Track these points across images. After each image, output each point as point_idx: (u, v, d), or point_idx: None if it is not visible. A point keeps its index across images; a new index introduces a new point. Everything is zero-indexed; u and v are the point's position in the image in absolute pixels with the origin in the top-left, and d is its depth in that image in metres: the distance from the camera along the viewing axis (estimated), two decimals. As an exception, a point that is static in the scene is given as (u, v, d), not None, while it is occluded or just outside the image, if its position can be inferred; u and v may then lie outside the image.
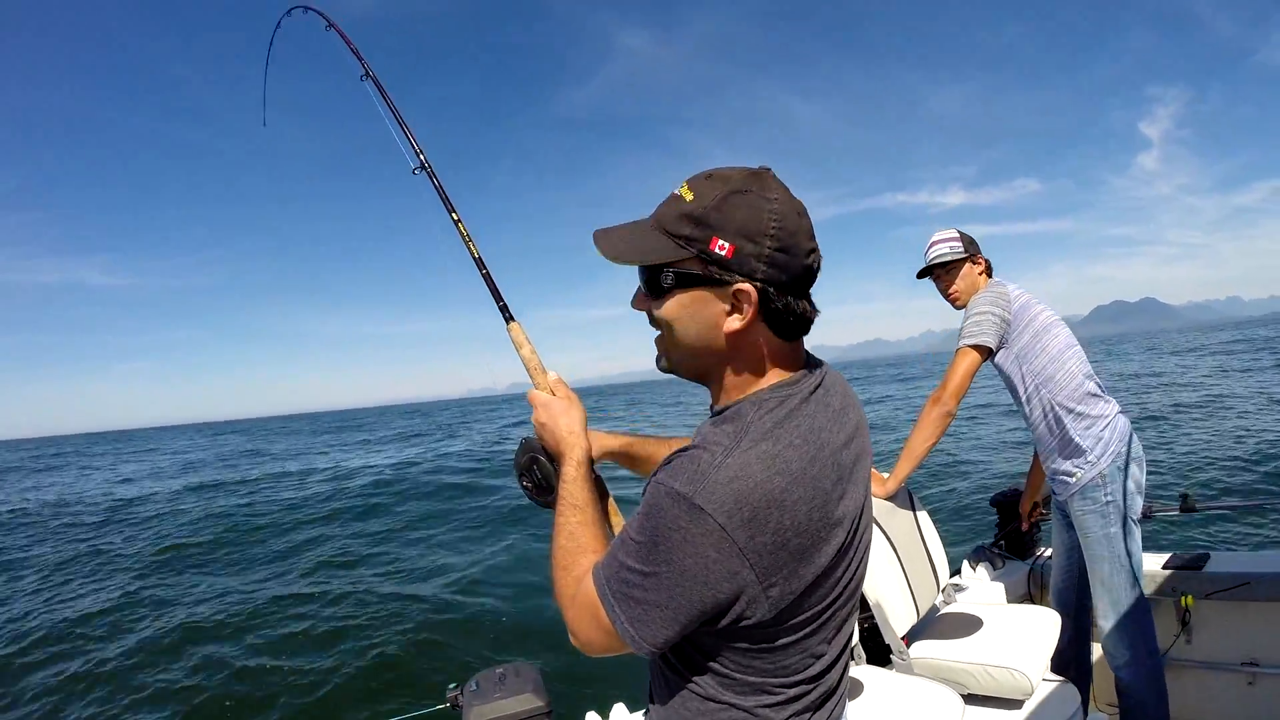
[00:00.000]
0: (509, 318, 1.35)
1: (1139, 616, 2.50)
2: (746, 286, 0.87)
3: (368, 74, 1.59)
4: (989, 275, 2.78)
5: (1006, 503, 3.52)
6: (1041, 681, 2.33)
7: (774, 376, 0.94)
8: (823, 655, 0.97)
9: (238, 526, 13.00)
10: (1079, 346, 2.62)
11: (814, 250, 0.90)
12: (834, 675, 1.02)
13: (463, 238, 1.39)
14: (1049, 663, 2.39)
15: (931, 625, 2.64)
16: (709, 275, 0.89)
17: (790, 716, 0.97)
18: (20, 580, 9.96)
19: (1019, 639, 2.42)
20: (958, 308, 2.73)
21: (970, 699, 2.24)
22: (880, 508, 2.56)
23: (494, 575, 8.53)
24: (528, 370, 1.30)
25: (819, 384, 0.96)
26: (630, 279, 0.97)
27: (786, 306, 0.89)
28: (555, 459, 1.16)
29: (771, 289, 0.88)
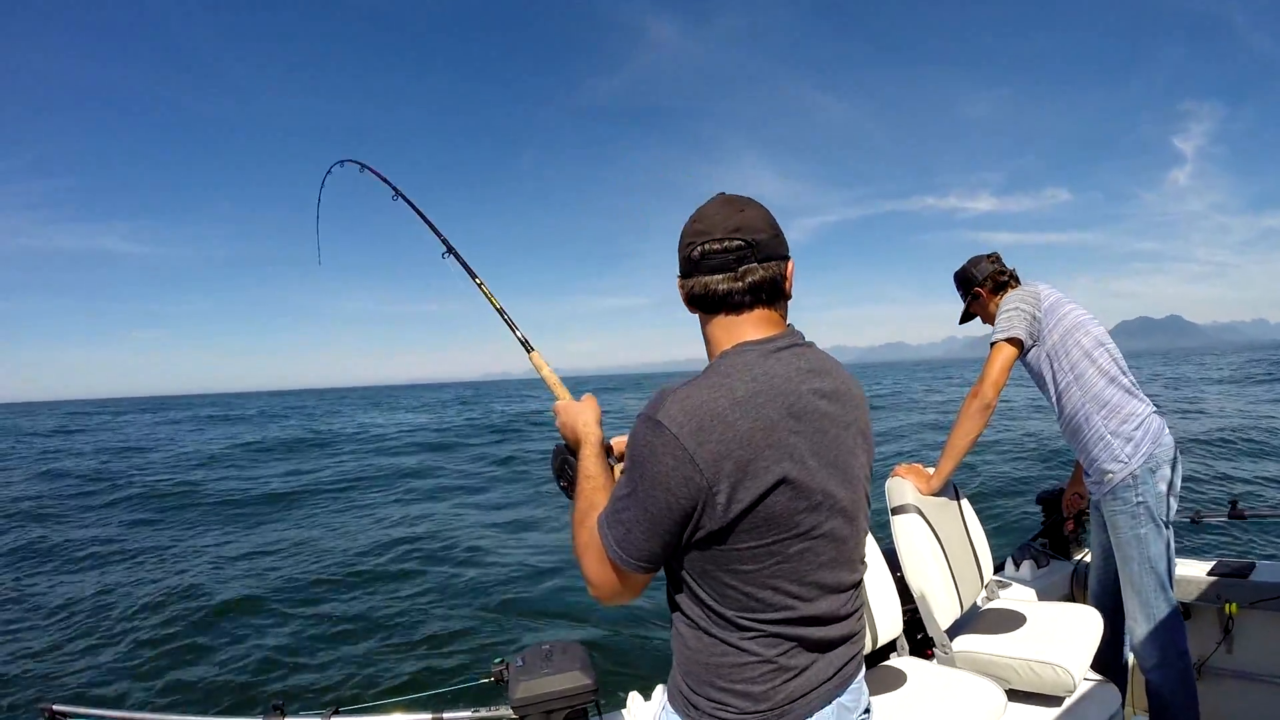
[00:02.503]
0: (530, 349, 1.67)
1: (1169, 619, 2.48)
2: (678, 280, 1.20)
3: (398, 194, 2.09)
4: (1015, 282, 2.81)
5: (1052, 500, 3.48)
6: (1083, 680, 2.31)
7: (737, 341, 1.14)
8: (805, 600, 1.08)
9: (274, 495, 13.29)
10: (1112, 344, 2.60)
11: (690, 244, 1.15)
12: (831, 629, 1.13)
13: (486, 296, 1.77)
14: (1091, 662, 2.37)
15: (974, 620, 2.62)
16: None
17: (782, 654, 1.08)
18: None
19: (1062, 637, 2.39)
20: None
21: (1012, 695, 2.22)
22: (926, 501, 2.55)
23: (543, 556, 8.64)
24: (550, 386, 1.56)
25: (786, 347, 1.13)
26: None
27: (682, 287, 1.19)
28: (577, 453, 1.30)
29: (680, 279, 1.19)
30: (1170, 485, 2.49)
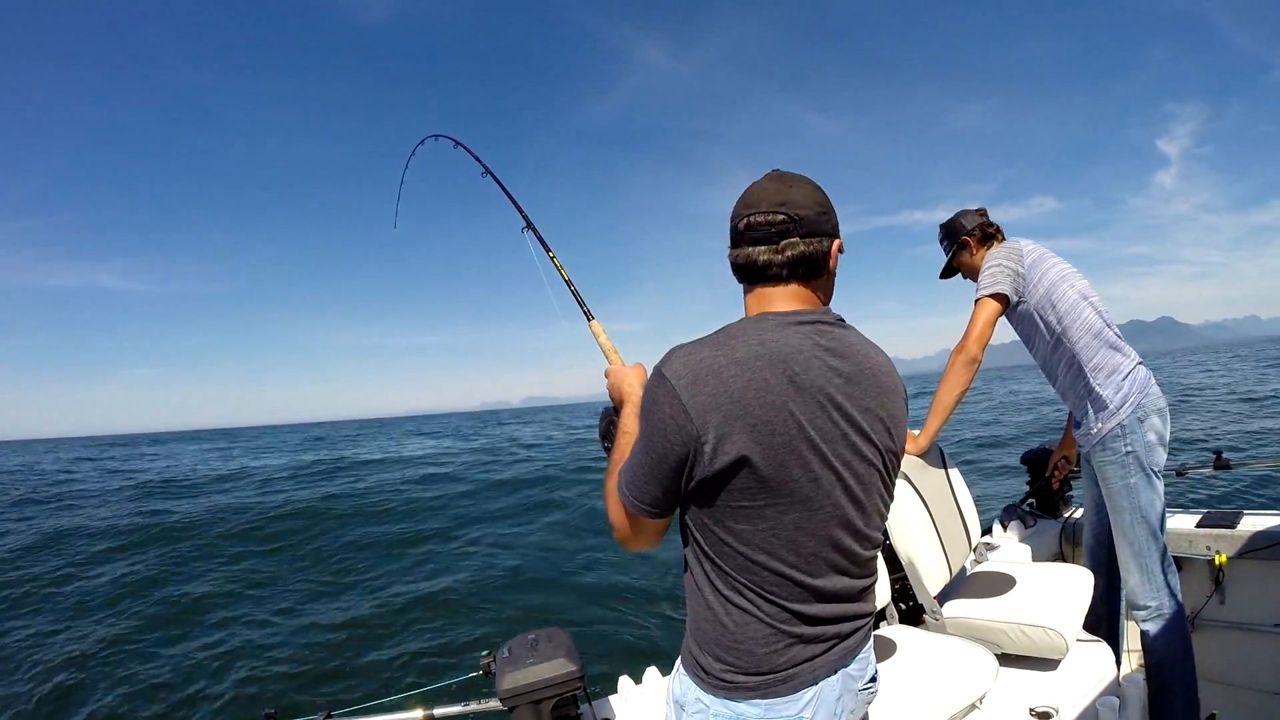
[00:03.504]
0: (590, 317, 1.73)
1: (1162, 568, 2.50)
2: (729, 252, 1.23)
3: (487, 171, 2.16)
4: (1001, 236, 2.78)
5: (1038, 461, 3.48)
6: (1076, 641, 2.30)
7: (764, 311, 1.17)
8: (805, 573, 1.09)
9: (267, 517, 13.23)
10: (1096, 297, 2.60)
11: (738, 216, 1.19)
12: (833, 606, 1.14)
13: (557, 268, 1.84)
14: (1083, 622, 2.36)
15: (963, 584, 2.62)
16: None
17: (782, 621, 1.10)
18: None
19: (1052, 598, 2.39)
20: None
21: (1004, 659, 2.22)
22: (912, 465, 2.54)
23: (527, 550, 8.63)
24: (605, 353, 1.63)
25: (809, 322, 1.14)
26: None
27: (730, 257, 1.22)
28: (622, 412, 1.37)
29: (730, 250, 1.22)
30: (1160, 435, 2.50)
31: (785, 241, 1.16)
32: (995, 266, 2.59)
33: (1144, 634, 2.55)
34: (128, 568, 9.67)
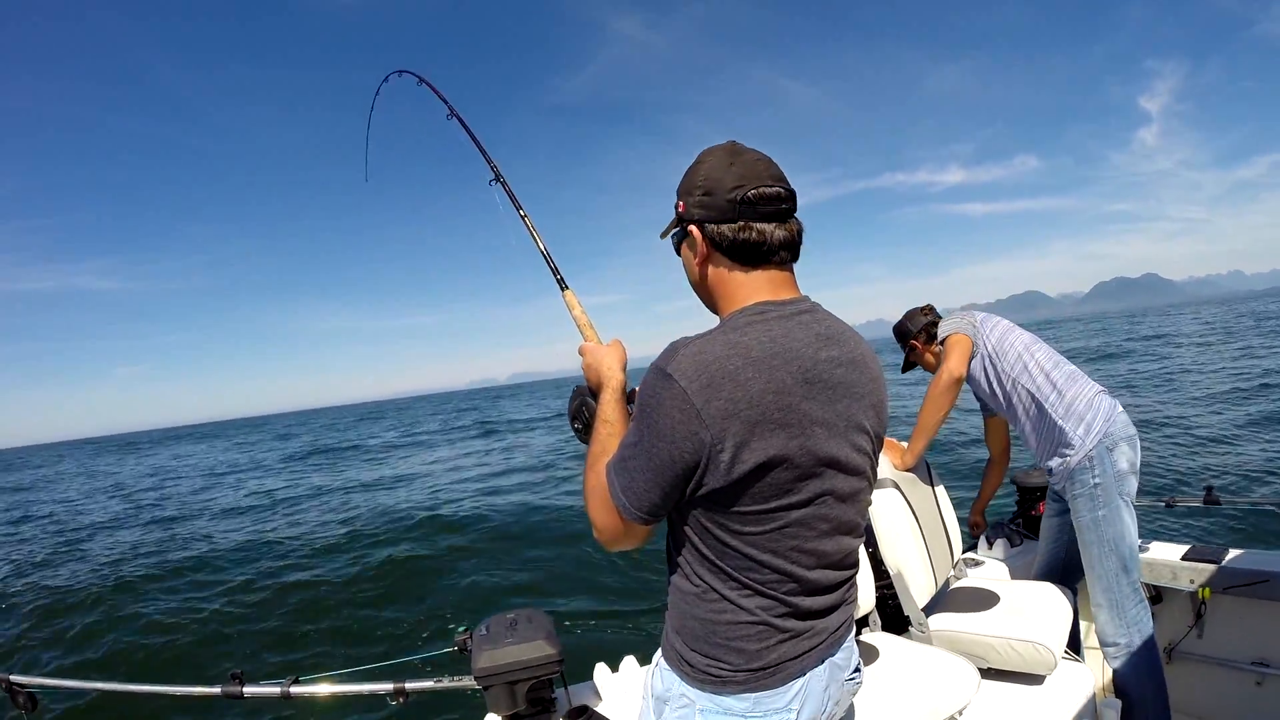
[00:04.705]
0: (564, 286, 1.64)
1: (1133, 603, 2.47)
2: (692, 227, 1.13)
3: (453, 114, 2.02)
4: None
5: (1027, 482, 3.48)
6: (1060, 659, 2.29)
7: (757, 299, 1.10)
8: (803, 567, 1.07)
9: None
10: (1044, 343, 2.69)
11: (739, 186, 1.07)
12: (826, 597, 1.12)
13: (529, 230, 1.74)
14: (1067, 639, 2.35)
15: (947, 598, 2.61)
16: (681, 230, 1.16)
17: (777, 616, 1.07)
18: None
19: (1038, 614, 2.38)
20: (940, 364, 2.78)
21: (985, 673, 2.20)
22: (901, 479, 2.53)
23: (511, 527, 8.62)
24: (579, 328, 1.53)
25: (805, 311, 1.10)
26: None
27: (721, 234, 1.09)
28: (598, 396, 1.28)
29: (709, 225, 1.10)
30: (1131, 463, 2.47)
31: (791, 219, 1.11)
32: (951, 320, 2.75)
33: (1115, 671, 2.52)
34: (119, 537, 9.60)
